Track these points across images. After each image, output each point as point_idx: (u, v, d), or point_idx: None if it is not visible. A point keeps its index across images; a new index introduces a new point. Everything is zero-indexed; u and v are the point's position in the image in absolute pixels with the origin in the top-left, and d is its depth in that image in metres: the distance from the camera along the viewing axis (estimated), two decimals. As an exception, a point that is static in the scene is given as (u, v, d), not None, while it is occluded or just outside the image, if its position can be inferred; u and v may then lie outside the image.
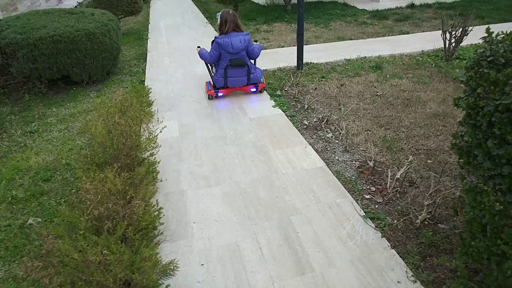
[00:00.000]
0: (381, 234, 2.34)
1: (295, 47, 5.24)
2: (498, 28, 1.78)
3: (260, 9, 9.83)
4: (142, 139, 2.89)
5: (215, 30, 7.86)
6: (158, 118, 3.94)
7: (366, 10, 8.96)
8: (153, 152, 2.92)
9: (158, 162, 2.90)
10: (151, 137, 2.90)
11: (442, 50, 5.54)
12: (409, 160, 2.64)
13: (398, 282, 2.03)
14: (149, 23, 9.20)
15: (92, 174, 2.29)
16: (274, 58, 5.81)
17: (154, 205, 2.46)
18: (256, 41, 4.73)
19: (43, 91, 4.99)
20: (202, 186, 2.88)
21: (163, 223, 2.44)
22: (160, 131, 3.14)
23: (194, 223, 2.53)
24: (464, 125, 1.51)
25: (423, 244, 2.25)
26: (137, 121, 2.96)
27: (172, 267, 1.86)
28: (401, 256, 2.19)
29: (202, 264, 2.19)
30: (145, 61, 6.19)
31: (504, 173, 1.32)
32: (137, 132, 2.81)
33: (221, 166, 3.12)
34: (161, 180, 2.85)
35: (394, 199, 2.66)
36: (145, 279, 1.68)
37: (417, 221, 2.39)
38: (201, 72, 5.33)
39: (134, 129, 2.73)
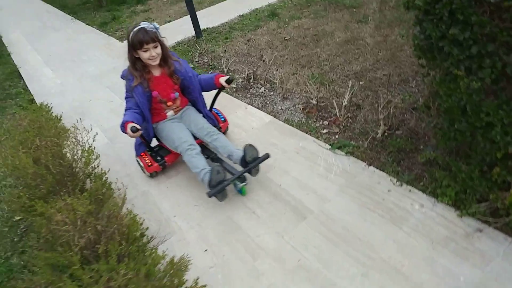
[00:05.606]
0: (353, 157, 2.47)
1: (183, 18, 4.98)
2: None
3: (125, -10, 9.04)
4: (77, 154, 2.53)
5: (87, 24, 7.05)
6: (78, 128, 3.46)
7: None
8: (94, 166, 2.58)
9: (107, 172, 2.58)
10: (86, 148, 2.55)
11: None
12: (350, 85, 2.78)
13: (389, 190, 2.19)
14: (2, 36, 7.85)
15: (41, 208, 1.94)
16: (167, 34, 5.40)
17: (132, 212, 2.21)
18: None
19: None
20: (162, 180, 2.67)
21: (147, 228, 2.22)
22: (94, 140, 2.76)
23: (174, 216, 2.36)
24: (422, 23, 1.61)
25: (392, 152, 2.44)
26: (61, 138, 2.54)
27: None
28: (380, 170, 2.34)
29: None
30: (21, 78, 5.32)
31: (473, 53, 1.46)
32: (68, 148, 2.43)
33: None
34: (119, 189, 2.55)
35: (348, 125, 2.80)
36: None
37: (378, 136, 2.57)
38: (96, 71, 4.80)
39: (63, 148, 2.35)
